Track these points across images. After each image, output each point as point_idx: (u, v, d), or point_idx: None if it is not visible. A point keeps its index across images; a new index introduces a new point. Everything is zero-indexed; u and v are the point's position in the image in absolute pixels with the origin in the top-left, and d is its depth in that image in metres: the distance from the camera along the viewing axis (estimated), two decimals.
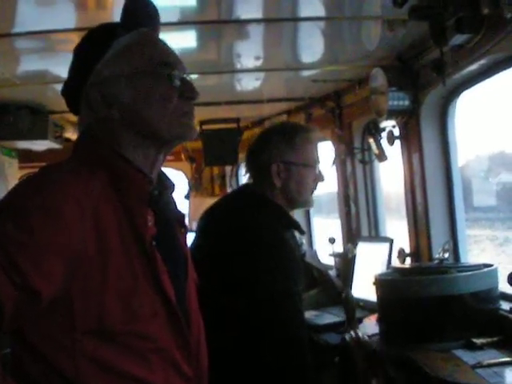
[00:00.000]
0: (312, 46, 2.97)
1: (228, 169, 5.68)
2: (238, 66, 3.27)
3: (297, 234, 2.44)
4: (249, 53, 3.03)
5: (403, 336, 2.31)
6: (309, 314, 3.06)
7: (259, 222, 2.09)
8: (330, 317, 3.12)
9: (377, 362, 2.25)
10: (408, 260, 3.13)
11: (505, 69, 2.48)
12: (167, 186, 1.44)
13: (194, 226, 2.31)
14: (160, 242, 1.31)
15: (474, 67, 2.52)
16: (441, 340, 2.23)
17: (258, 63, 3.18)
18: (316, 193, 2.28)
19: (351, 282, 3.46)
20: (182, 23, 2.50)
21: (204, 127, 4.61)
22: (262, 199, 2.17)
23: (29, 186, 1.27)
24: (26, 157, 4.62)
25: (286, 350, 1.94)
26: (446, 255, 2.59)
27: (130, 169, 1.33)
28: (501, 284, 2.35)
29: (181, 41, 2.70)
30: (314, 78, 3.50)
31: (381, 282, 2.50)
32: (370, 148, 3.63)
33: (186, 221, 1.50)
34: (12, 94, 3.54)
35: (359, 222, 3.84)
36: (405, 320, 2.32)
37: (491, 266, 2.38)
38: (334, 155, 3.99)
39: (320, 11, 2.46)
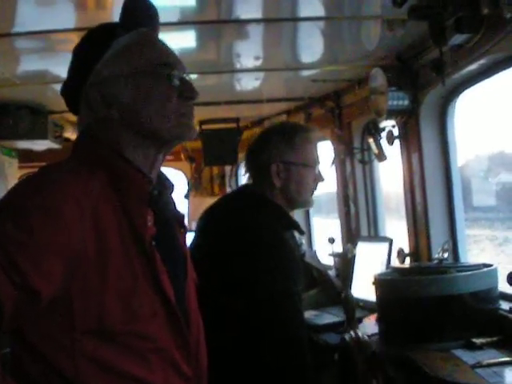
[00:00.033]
0: (312, 46, 2.98)
1: (227, 169, 5.68)
2: (238, 66, 3.27)
3: (296, 234, 2.44)
4: (248, 53, 3.03)
5: (403, 336, 2.31)
6: (308, 314, 3.06)
7: (259, 222, 2.09)
8: (330, 317, 3.12)
9: (376, 362, 2.25)
10: (407, 260, 3.13)
11: (504, 69, 2.48)
12: (167, 185, 1.44)
13: (194, 225, 2.31)
14: (159, 241, 1.31)
15: (473, 67, 2.52)
16: (440, 340, 2.23)
17: (258, 63, 3.18)
18: (315, 193, 2.28)
19: (351, 281, 3.46)
20: (182, 23, 2.50)
21: (203, 127, 4.61)
22: (262, 199, 2.17)
23: (28, 185, 1.27)
24: (25, 157, 4.62)
25: (285, 350, 1.94)
26: (446, 255, 2.59)
27: (130, 169, 1.33)
28: (500, 284, 2.35)
29: (180, 41, 2.70)
30: (313, 77, 3.50)
31: (380, 282, 2.50)
32: (369, 148, 3.63)
33: (186, 221, 1.50)
34: (12, 94, 3.54)
35: (359, 221, 3.84)
36: (404, 320, 2.32)
37: (491, 265, 2.38)
38: (333, 155, 3.99)
39: (320, 11, 2.46)
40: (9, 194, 1.26)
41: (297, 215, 3.98)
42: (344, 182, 3.94)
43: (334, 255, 3.91)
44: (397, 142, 3.17)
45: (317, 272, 3.59)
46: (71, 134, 4.34)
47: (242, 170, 2.44)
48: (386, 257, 3.20)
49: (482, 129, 3.76)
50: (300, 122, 3.63)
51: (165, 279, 1.30)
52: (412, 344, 2.24)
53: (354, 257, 3.56)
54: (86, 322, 1.21)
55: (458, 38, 2.26)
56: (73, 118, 1.48)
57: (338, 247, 3.94)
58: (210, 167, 5.61)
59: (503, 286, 2.34)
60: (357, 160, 3.82)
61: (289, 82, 3.81)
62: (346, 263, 3.67)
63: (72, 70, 1.41)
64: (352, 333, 2.40)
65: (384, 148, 3.39)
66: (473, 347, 2.16)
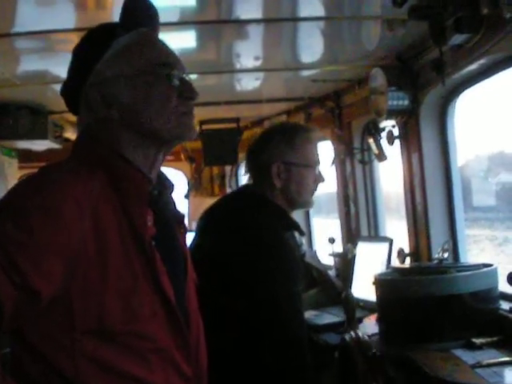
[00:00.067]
0: (311, 46, 2.97)
1: (228, 169, 5.68)
2: (238, 66, 3.27)
3: (296, 234, 2.44)
4: (248, 53, 3.03)
5: (403, 336, 2.31)
6: (308, 314, 3.06)
7: (259, 222, 2.09)
8: (330, 317, 3.12)
9: (377, 363, 2.25)
10: (407, 260, 3.13)
11: (504, 69, 2.48)
12: (167, 185, 1.44)
13: (194, 225, 2.31)
14: (159, 241, 1.31)
15: (473, 67, 2.52)
16: (440, 340, 2.23)
17: (258, 63, 3.18)
18: (315, 193, 2.28)
19: (351, 281, 3.46)
20: (182, 23, 2.50)
21: (204, 127, 4.61)
22: (262, 200, 2.17)
23: (28, 185, 1.27)
24: (25, 157, 4.62)
25: (285, 350, 1.94)
26: (446, 255, 2.58)
27: (130, 169, 1.33)
28: (500, 284, 2.35)
29: (180, 41, 2.70)
30: (313, 77, 3.50)
31: (380, 282, 2.50)
32: (369, 148, 3.63)
33: (186, 221, 1.50)
34: (12, 94, 3.54)
35: (359, 222, 3.84)
36: (404, 320, 2.31)
37: (491, 265, 2.38)
38: (333, 155, 3.99)
39: (320, 11, 2.46)
40: (9, 194, 1.26)
41: (297, 215, 3.96)
42: (344, 182, 3.94)
43: (334, 255, 3.91)
44: (397, 142, 3.17)
45: (317, 272, 3.59)
46: (71, 134, 4.34)
47: (242, 170, 2.44)
48: (386, 257, 3.20)
49: (481, 129, 3.76)
50: (300, 122, 3.63)
51: (165, 279, 1.30)
52: (412, 344, 2.23)
53: (354, 257, 3.56)
54: (85, 322, 1.21)
55: (457, 38, 2.26)
56: (73, 118, 1.48)
57: (338, 247, 3.93)
58: (210, 167, 5.61)
59: (503, 286, 2.34)
60: (357, 160, 3.82)
61: (289, 82, 3.81)
62: (346, 263, 3.67)
63: (72, 70, 1.41)
64: (352, 333, 2.39)
65: (384, 148, 3.39)
66: (473, 347, 2.16)
